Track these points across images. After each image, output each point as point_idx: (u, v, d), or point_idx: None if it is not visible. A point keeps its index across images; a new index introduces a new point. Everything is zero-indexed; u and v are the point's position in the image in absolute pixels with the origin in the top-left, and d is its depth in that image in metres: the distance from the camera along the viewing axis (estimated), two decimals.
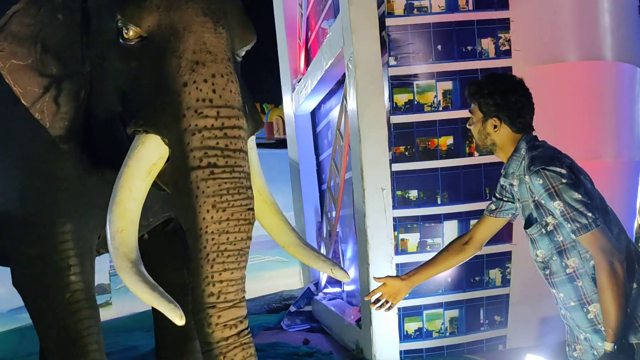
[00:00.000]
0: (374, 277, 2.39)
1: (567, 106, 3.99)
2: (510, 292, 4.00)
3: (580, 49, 4.14)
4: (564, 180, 1.77)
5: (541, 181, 1.81)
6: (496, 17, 3.88)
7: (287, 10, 6.44)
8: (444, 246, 2.40)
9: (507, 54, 3.90)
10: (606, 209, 1.90)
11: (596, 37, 4.28)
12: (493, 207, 2.19)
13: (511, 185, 2.02)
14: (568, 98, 4.04)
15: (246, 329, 1.91)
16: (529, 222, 1.97)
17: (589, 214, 1.74)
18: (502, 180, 2.11)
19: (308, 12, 6.12)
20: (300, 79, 6.09)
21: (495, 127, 2.00)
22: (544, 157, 1.86)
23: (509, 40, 3.90)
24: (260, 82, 9.85)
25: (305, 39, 6.24)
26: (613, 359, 1.72)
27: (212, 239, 1.85)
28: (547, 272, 1.94)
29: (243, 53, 2.27)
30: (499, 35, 3.89)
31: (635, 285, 1.81)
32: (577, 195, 1.76)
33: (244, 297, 1.93)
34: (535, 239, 1.94)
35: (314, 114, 6.43)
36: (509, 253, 3.99)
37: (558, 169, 1.79)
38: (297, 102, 6.27)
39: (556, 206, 1.79)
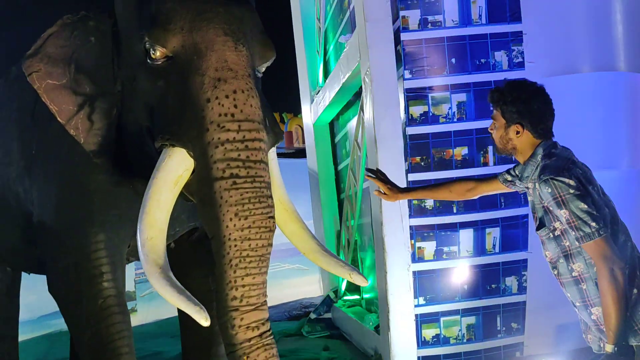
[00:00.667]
0: (366, 173, 2.74)
1: (581, 116, 4.04)
2: (526, 299, 4.05)
3: (593, 60, 4.20)
4: (571, 191, 1.89)
5: (550, 190, 1.93)
6: (509, 30, 3.96)
7: (306, 23, 6.60)
8: (450, 182, 2.68)
9: (521, 65, 3.98)
10: (615, 217, 1.99)
11: (609, 47, 4.33)
12: (508, 177, 2.33)
13: (527, 188, 2.13)
14: (582, 109, 4.09)
15: (268, 330, 2.01)
16: (540, 224, 2.08)
17: (593, 224, 1.85)
18: (517, 184, 2.21)
19: (326, 25, 6.26)
20: (319, 91, 6.22)
21: (517, 133, 2.11)
22: (554, 167, 1.97)
23: (522, 53, 3.98)
24: (280, 92, 10.01)
25: (324, 51, 6.38)
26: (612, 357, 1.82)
27: (235, 246, 1.96)
28: (556, 272, 2.07)
29: (263, 69, 2.40)
30: (512, 48, 3.97)
31: (635, 291, 1.90)
32: (583, 206, 1.87)
33: (265, 300, 2.04)
34: (544, 241, 2.05)
35: (332, 124, 6.55)
36: (525, 261, 4.04)
37: (566, 180, 1.90)
38: (315, 113, 6.41)
39: (562, 214, 1.91)
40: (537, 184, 2.00)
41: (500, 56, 3.99)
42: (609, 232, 1.89)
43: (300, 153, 8.21)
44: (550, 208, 1.95)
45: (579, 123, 3.97)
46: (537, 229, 2.12)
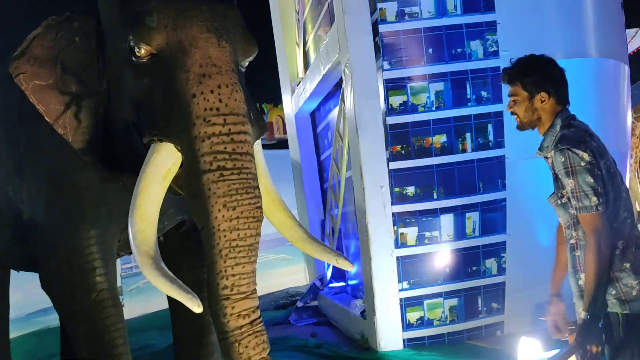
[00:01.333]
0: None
1: None
2: (506, 280, 4.20)
3: (566, 47, 4.31)
4: (583, 164, 1.99)
5: (563, 159, 2.03)
6: (483, 20, 4.07)
7: (284, 14, 6.64)
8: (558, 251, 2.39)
9: (495, 54, 4.10)
10: (620, 193, 2.09)
11: (581, 34, 4.47)
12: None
13: (546, 158, 2.22)
14: None
15: (259, 318, 2.07)
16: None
17: (594, 199, 1.97)
18: (537, 154, 2.27)
19: (304, 17, 6.31)
20: (299, 82, 6.29)
21: (542, 101, 2.16)
22: (572, 137, 2.07)
23: (496, 42, 4.09)
24: (259, 83, 10.01)
25: (303, 42, 6.44)
26: (585, 326, 1.96)
27: (225, 236, 2.01)
28: (568, 236, 2.17)
29: (246, 64, 2.45)
30: (487, 37, 4.08)
31: (628, 265, 2.03)
32: (590, 180, 1.98)
33: (255, 289, 2.09)
34: (555, 207, 2.17)
35: (313, 115, 6.63)
36: (504, 243, 4.19)
37: (580, 152, 2.00)
38: (296, 104, 6.47)
39: (569, 183, 2.03)
40: (553, 152, 2.10)
41: (476, 45, 4.10)
42: (607, 210, 2.01)
43: (282, 144, 8.26)
44: (560, 176, 2.06)
45: None
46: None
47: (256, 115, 2.34)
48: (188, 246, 2.97)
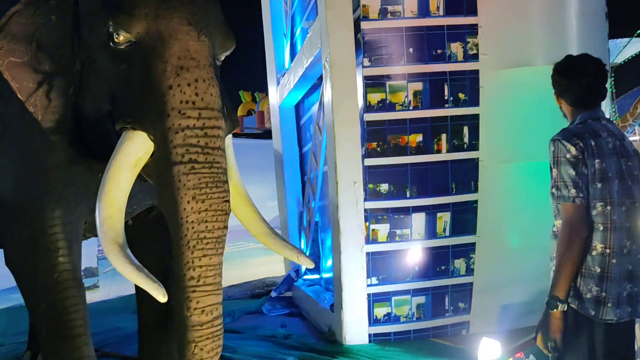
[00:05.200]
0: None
1: (533, 108, 4.22)
2: (473, 280, 4.27)
3: (547, 54, 4.35)
4: (568, 156, 2.08)
5: (553, 149, 2.14)
6: (465, 22, 4.10)
7: (274, 6, 6.63)
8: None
9: (475, 57, 4.13)
10: (614, 199, 2.10)
11: (563, 42, 4.50)
12: None
13: None
14: (534, 101, 4.27)
15: (220, 316, 2.11)
16: None
17: (573, 190, 2.05)
18: None
19: (294, 9, 6.31)
20: (285, 73, 6.30)
21: (560, 102, 2.34)
22: (569, 131, 2.18)
23: (477, 45, 4.13)
24: (252, 71, 9.99)
25: (291, 34, 6.44)
26: (545, 312, 2.06)
27: (192, 228, 2.03)
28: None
29: (223, 58, 2.47)
30: (468, 39, 4.12)
31: (598, 270, 2.09)
32: (571, 172, 2.07)
33: (220, 281, 2.13)
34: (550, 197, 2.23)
35: (298, 107, 6.64)
36: (474, 244, 4.25)
37: (569, 145, 2.09)
38: (281, 95, 6.48)
39: (554, 172, 2.11)
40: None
41: (456, 47, 4.13)
42: (585, 204, 2.05)
43: (271, 134, 8.27)
44: (550, 166, 2.13)
45: (531, 113, 4.16)
46: None
47: (229, 110, 2.36)
48: (157, 231, 2.98)
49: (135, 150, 2.16)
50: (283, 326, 4.92)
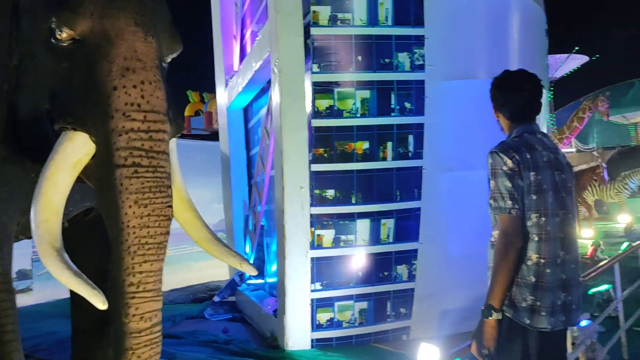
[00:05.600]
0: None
1: (475, 119, 4.34)
2: (415, 286, 4.35)
3: (490, 67, 4.50)
4: (504, 168, 2.13)
5: (491, 161, 2.17)
6: (412, 33, 4.18)
7: (224, 7, 6.56)
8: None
9: (421, 68, 4.22)
10: (548, 211, 2.17)
11: (505, 56, 4.70)
12: None
13: None
14: (476, 112, 4.40)
15: (159, 323, 2.07)
16: None
17: (509, 202, 2.10)
18: None
19: (244, 11, 6.27)
20: (233, 75, 6.24)
21: (497, 116, 2.38)
22: (506, 144, 2.21)
23: (423, 56, 4.22)
24: (202, 71, 9.85)
25: (241, 36, 6.39)
26: (480, 320, 2.11)
27: (134, 233, 1.99)
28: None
29: (169, 60, 2.43)
30: (415, 50, 4.20)
31: (533, 280, 2.15)
32: (508, 184, 2.11)
33: (160, 288, 2.08)
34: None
35: (246, 109, 6.60)
36: (416, 251, 4.33)
37: (505, 158, 2.14)
38: (229, 96, 6.42)
39: (491, 185, 2.16)
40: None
41: (404, 57, 4.21)
42: (521, 215, 2.11)
43: (218, 135, 8.17)
44: (488, 177, 2.18)
45: (474, 125, 4.28)
46: None
47: (175, 114, 2.32)
48: (93, 233, 2.89)
49: (75, 152, 2.09)
50: (225, 331, 4.86)
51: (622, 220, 17.90)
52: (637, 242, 5.88)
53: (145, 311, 2.00)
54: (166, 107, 2.11)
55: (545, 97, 5.47)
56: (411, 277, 4.35)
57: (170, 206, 2.09)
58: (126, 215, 1.98)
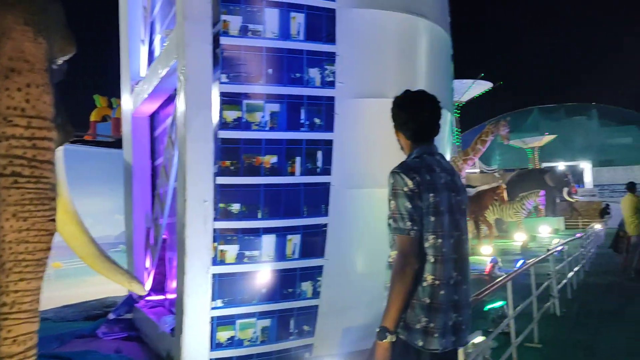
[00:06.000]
0: None
1: (382, 138, 4.39)
2: (319, 303, 4.31)
3: (398, 88, 4.54)
4: (405, 189, 2.13)
5: (392, 181, 2.18)
6: (323, 49, 4.18)
7: (132, 10, 6.29)
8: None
9: (332, 84, 4.23)
10: (444, 232, 2.17)
11: (413, 78, 4.80)
12: None
13: None
14: (384, 131, 4.46)
15: (34, 346, 1.92)
16: None
17: (408, 223, 2.10)
18: None
19: (154, 15, 6.03)
20: (139, 81, 5.97)
21: (398, 135, 2.40)
22: (407, 164, 2.23)
23: (334, 72, 4.23)
24: (110, 76, 9.39)
25: (150, 41, 6.14)
26: (374, 342, 2.09)
27: (10, 248, 1.85)
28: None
29: (60, 62, 2.26)
30: (325, 66, 4.20)
31: (428, 301, 2.14)
32: (408, 205, 2.12)
33: (37, 308, 1.94)
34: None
35: (153, 117, 6.33)
36: (321, 267, 4.30)
37: (406, 179, 2.13)
38: (135, 103, 6.14)
39: (391, 205, 2.16)
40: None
41: (314, 73, 4.19)
42: (419, 237, 2.10)
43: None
44: (389, 197, 2.16)
45: (382, 144, 4.31)
46: None
47: (64, 120, 2.16)
48: None
49: None
50: (118, 351, 4.58)
51: (519, 238, 19.03)
52: (531, 260, 6.22)
53: (19, 334, 1.86)
54: (53, 112, 1.98)
55: (449, 119, 5.67)
56: (316, 294, 4.30)
57: (53, 220, 1.96)
58: (2, 229, 1.84)
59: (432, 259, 2.16)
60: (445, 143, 5.37)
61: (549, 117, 52.33)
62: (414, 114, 2.36)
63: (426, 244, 2.16)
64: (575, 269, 9.64)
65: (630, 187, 10.78)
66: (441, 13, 5.19)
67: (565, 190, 30.73)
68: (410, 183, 2.15)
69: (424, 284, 2.15)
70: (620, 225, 13.47)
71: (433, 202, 2.18)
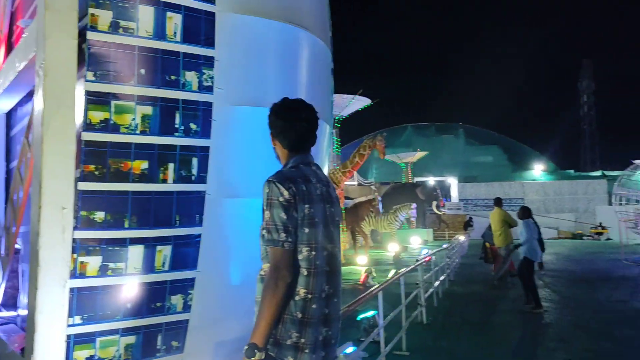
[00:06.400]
0: None
1: (261, 147, 4.32)
2: (190, 317, 4.11)
3: (278, 97, 4.51)
4: (280, 199, 2.03)
5: (267, 191, 2.12)
6: (202, 53, 4.03)
7: None
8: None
9: (210, 90, 4.09)
10: (318, 245, 2.10)
11: (294, 88, 4.79)
12: None
13: None
14: (262, 140, 4.39)
15: None
16: None
17: (283, 235, 2.00)
18: None
19: (16, 4, 5.49)
20: None
21: (274, 144, 2.36)
22: (283, 174, 2.15)
23: (212, 77, 4.09)
24: None
25: (9, 33, 5.57)
26: (243, 358, 1.96)
27: None
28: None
29: None
30: (204, 71, 4.05)
31: (300, 315, 2.06)
32: (283, 216, 2.03)
33: None
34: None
35: (10, 115, 5.74)
36: (193, 280, 4.11)
37: (282, 188, 2.03)
38: None
39: (266, 215, 2.08)
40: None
41: (191, 76, 4.03)
42: (293, 249, 2.02)
43: None
44: (263, 207, 2.06)
45: (260, 154, 4.25)
46: None
47: None
48: None
49: None
50: None
51: (392, 249, 19.90)
52: (402, 270, 6.48)
53: None
54: None
55: (328, 131, 5.75)
56: (186, 308, 4.10)
57: None
58: None
59: (305, 272, 2.12)
60: (324, 155, 5.43)
61: (421, 134, 55.73)
62: (291, 122, 2.33)
63: (300, 256, 2.12)
64: (441, 278, 10.23)
65: (498, 202, 11.70)
66: (322, 27, 5.26)
67: (434, 203, 32.80)
68: (285, 193, 2.10)
69: (296, 297, 2.10)
70: (484, 236, 14.56)
71: (308, 214, 2.14)
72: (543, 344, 6.11)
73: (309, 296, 2.11)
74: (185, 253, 4.09)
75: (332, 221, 2.27)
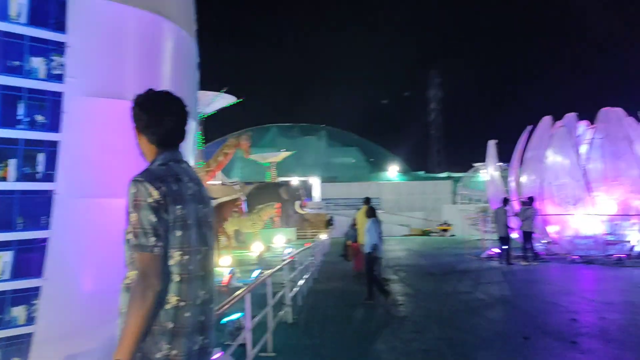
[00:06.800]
0: None
1: (120, 142, 4.03)
2: (35, 330, 3.70)
3: (139, 89, 4.27)
4: (149, 200, 1.86)
5: (134, 191, 1.89)
6: (51, 38, 3.66)
7: None
8: None
9: (60, 78, 3.72)
10: (191, 248, 1.92)
11: (157, 81, 4.52)
12: None
13: None
14: (122, 135, 4.09)
15: None
16: None
17: (152, 239, 1.83)
18: None
19: None
20: None
21: (139, 139, 2.09)
22: (151, 172, 1.95)
23: (63, 65, 3.72)
24: None
25: None
26: None
27: None
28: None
29: None
30: (53, 57, 3.68)
31: (171, 326, 1.89)
32: (152, 218, 1.85)
33: None
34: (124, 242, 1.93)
35: None
36: (38, 288, 3.70)
37: (151, 189, 1.85)
38: None
39: (133, 217, 1.87)
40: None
41: (39, 63, 3.63)
42: (164, 254, 1.85)
43: None
44: (129, 209, 1.83)
45: (120, 149, 3.95)
46: None
47: None
48: None
49: None
50: None
51: (256, 249, 19.87)
52: (269, 271, 6.44)
53: None
54: None
55: (194, 128, 5.54)
56: (30, 320, 3.69)
57: None
58: None
59: (177, 278, 1.96)
60: (190, 153, 5.22)
61: (285, 134, 56.53)
62: (159, 116, 2.14)
63: (171, 262, 1.95)
64: (305, 276, 10.40)
65: (366, 201, 12.09)
66: (187, 18, 5.04)
67: (297, 203, 33.43)
68: (155, 193, 1.91)
69: (167, 306, 1.93)
70: (346, 235, 15.07)
71: (180, 215, 1.98)
72: (400, 336, 6.44)
73: (182, 304, 1.95)
74: (29, 259, 3.68)
75: (205, 222, 2.13)
